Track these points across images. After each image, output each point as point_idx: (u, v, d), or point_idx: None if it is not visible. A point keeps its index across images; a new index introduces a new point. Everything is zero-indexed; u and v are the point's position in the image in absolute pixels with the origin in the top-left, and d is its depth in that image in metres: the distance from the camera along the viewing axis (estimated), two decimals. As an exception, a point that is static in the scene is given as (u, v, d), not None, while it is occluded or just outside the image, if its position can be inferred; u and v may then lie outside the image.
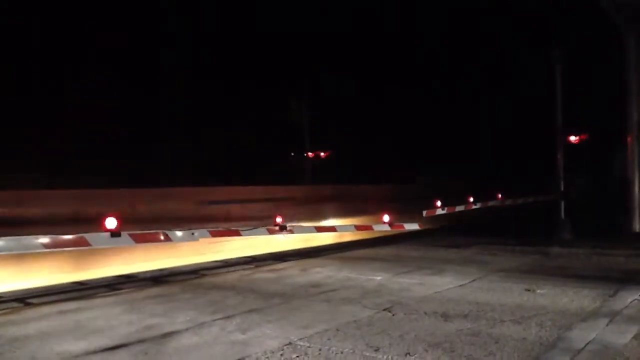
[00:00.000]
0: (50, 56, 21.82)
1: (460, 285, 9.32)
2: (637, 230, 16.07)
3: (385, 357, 5.68)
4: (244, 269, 11.28)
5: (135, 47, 23.70)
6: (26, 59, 21.01)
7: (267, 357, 5.72)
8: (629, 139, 16.40)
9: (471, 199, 15.78)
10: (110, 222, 7.70)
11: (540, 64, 18.38)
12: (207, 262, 11.74)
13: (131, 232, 8.06)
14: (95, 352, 5.94)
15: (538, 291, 8.76)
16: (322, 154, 25.48)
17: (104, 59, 23.07)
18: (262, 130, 27.38)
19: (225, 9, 26.33)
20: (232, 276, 10.55)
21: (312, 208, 14.88)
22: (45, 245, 7.42)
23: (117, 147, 21.38)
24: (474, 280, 9.74)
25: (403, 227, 12.38)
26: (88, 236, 7.77)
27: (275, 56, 27.23)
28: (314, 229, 12.03)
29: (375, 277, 10.10)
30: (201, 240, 9.81)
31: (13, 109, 19.78)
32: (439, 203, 14.61)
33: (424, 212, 14.28)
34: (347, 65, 28.31)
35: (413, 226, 12.51)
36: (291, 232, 10.62)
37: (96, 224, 8.02)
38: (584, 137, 17.86)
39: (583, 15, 21.01)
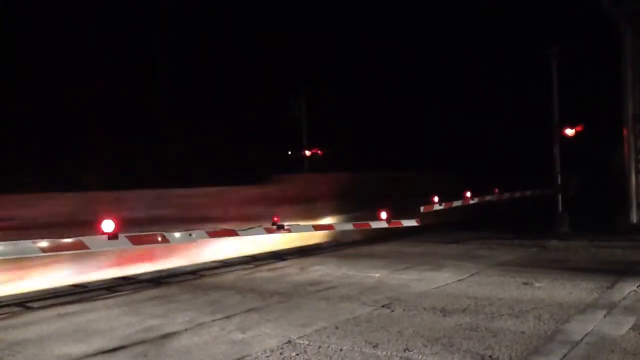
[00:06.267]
0: (47, 56, 21.77)
1: (459, 280, 9.35)
2: (634, 222, 16.11)
3: (384, 353, 5.70)
4: (243, 269, 11.30)
5: (132, 46, 23.69)
6: (23, 59, 20.94)
7: (267, 356, 5.74)
8: (624, 132, 16.50)
9: (468, 194, 15.79)
10: (107, 225, 7.68)
11: (538, 60, 18.45)
12: (206, 263, 11.74)
13: (128, 234, 8.05)
14: (94, 354, 5.95)
15: (536, 284, 8.80)
16: (319, 152, 25.51)
17: (101, 57, 23.08)
18: (260, 129, 27.35)
19: (222, 8, 26.31)
20: (231, 276, 10.57)
21: (308, 205, 14.83)
22: (43, 249, 7.40)
23: (113, 145, 21.21)
24: (472, 275, 9.78)
25: (401, 223, 12.35)
26: (86, 239, 7.75)
27: (272, 54, 27.25)
28: (312, 228, 12.02)
29: (373, 274, 10.13)
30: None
31: (10, 110, 19.71)
32: (436, 199, 14.63)
33: (422, 208, 14.28)
34: (346, 63, 28.33)
35: (411, 222, 12.47)
36: (289, 231, 10.61)
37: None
38: (579, 128, 17.99)
39: (580, 10, 21.05)
